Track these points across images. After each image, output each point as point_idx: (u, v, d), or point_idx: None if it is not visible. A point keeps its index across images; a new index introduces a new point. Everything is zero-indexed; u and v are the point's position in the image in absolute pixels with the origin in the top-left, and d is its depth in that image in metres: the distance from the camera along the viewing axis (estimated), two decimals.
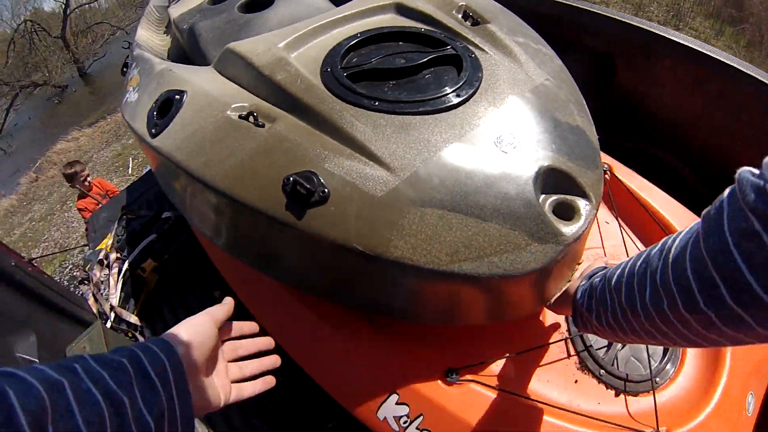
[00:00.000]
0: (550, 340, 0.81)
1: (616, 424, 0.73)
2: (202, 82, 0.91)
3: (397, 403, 0.73)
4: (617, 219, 0.98)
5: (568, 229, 0.62)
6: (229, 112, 0.78)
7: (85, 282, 1.68)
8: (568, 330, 0.83)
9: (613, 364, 0.81)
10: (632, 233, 1.02)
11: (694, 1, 5.82)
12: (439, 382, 0.74)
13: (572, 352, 0.81)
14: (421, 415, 0.72)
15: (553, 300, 0.68)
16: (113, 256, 1.59)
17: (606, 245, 0.94)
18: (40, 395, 0.26)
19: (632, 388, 0.79)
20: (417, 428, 0.72)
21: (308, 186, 0.63)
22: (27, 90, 10.93)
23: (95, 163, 4.94)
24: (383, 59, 0.80)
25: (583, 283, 0.60)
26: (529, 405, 0.73)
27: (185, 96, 0.89)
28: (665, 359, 0.84)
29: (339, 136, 0.69)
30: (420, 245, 0.60)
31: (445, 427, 0.71)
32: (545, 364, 0.80)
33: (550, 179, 0.66)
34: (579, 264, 0.71)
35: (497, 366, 0.78)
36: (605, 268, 0.59)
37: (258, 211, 0.66)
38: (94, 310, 1.54)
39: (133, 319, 1.46)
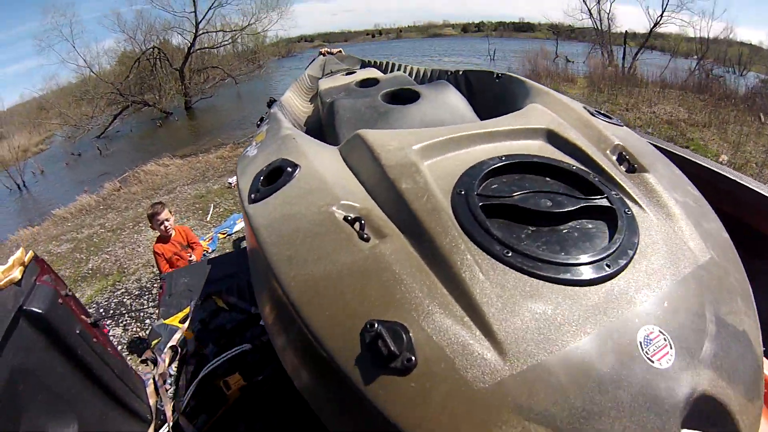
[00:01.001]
0: None
1: None
2: (320, 162, 0.84)
3: None
4: None
5: None
6: (335, 208, 0.69)
7: (149, 362, 1.60)
8: None
9: None
10: None
11: None
12: None
13: None
14: None
15: None
16: (191, 346, 1.49)
17: None
18: None
19: None
20: None
21: (393, 347, 0.50)
22: (137, 105, 12.56)
23: (177, 195, 5.26)
24: (527, 195, 0.70)
25: None
26: None
27: (297, 171, 0.82)
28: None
29: (453, 285, 0.57)
30: None
31: None
32: None
33: (701, 408, 0.50)
34: None
35: None
36: None
37: (321, 346, 0.54)
38: (151, 403, 1.43)
39: None
